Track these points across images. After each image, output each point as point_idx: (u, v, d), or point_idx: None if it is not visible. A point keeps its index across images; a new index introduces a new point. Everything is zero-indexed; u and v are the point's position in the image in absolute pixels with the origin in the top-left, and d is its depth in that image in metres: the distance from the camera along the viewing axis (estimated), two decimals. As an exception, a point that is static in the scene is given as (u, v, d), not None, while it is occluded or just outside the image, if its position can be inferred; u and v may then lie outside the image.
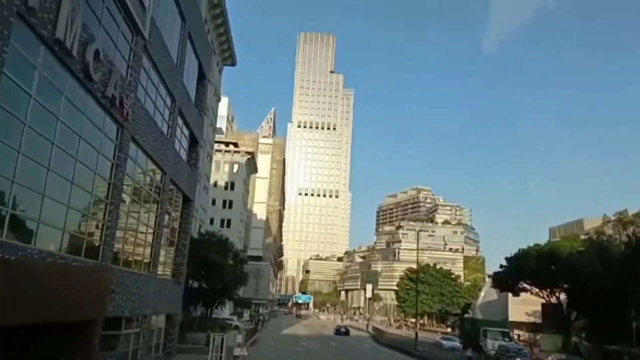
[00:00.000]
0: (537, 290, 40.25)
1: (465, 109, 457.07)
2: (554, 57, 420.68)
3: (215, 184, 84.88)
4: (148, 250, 20.08)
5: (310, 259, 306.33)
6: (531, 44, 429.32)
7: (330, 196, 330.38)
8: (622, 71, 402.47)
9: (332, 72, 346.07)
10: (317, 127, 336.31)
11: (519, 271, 39.30)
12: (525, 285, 41.03)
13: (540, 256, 36.93)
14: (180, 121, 23.60)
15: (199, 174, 43.21)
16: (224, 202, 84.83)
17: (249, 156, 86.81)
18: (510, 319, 61.26)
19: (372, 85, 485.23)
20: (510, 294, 63.47)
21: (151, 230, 20.32)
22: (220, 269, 33.95)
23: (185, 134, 25.22)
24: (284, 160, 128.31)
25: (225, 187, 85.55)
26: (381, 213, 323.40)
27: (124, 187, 16.26)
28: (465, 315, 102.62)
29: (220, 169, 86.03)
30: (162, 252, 22.14)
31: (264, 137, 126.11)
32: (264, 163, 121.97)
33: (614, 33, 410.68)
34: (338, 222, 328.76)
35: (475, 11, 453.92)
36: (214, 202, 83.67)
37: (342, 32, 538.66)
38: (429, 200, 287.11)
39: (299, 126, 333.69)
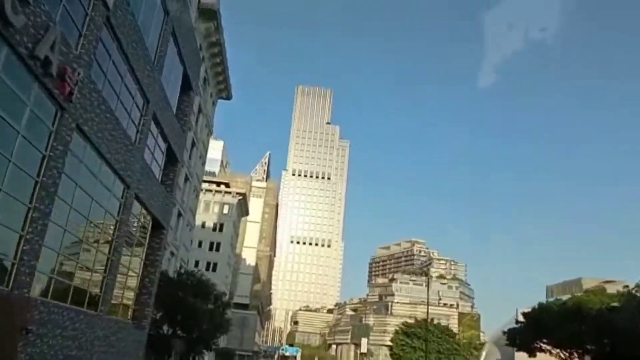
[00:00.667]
0: (557, 351, 35.34)
1: (461, 159, 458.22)
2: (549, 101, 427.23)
3: (203, 225, 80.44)
4: (98, 279, 15.69)
5: (300, 309, 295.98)
6: (529, 78, 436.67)
7: (323, 245, 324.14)
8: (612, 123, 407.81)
9: (328, 123, 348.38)
10: (311, 176, 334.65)
11: (537, 328, 34.54)
12: (542, 344, 36.13)
13: (563, 312, 32.24)
14: (155, 130, 19.81)
15: (180, 205, 39.09)
16: (211, 244, 79.99)
17: (241, 197, 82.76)
18: (518, 383, 55.76)
19: (368, 137, 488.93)
20: (516, 354, 58.36)
21: (104, 255, 15.99)
22: (198, 313, 29.18)
23: (161, 146, 21.33)
24: (276, 205, 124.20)
25: (214, 229, 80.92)
26: (374, 265, 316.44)
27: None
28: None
29: (210, 209, 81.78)
30: (119, 286, 17.69)
31: (258, 180, 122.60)
32: (256, 207, 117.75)
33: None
34: (329, 273, 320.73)
35: (467, 63, 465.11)
36: (200, 244, 79.06)
37: (340, 85, 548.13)
38: (422, 254, 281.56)
39: (294, 174, 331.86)
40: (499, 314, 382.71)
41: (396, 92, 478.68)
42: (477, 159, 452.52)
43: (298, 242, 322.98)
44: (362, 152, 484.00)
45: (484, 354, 78.47)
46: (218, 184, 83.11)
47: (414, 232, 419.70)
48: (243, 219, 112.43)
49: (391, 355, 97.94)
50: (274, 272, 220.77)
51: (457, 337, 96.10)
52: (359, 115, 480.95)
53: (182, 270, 35.29)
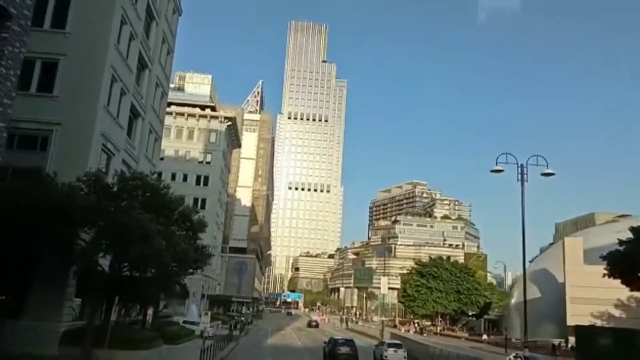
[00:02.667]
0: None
1: (464, 95, 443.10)
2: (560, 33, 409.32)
3: (186, 156, 69.28)
4: None
5: (300, 256, 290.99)
6: (527, 18, 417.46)
7: (322, 191, 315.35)
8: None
9: (324, 61, 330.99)
10: (308, 119, 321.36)
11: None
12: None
13: None
14: None
15: (138, 101, 26.98)
16: (198, 177, 69.05)
17: (229, 123, 71.10)
18: (569, 322, 46.35)
19: (366, 76, 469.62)
20: (568, 290, 48.84)
21: None
22: (151, 237, 18.19)
23: None
24: (272, 139, 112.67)
25: (201, 161, 69.78)
26: (374, 209, 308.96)
27: None
28: (485, 317, 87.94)
29: (195, 137, 70.32)
30: None
31: (250, 112, 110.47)
32: (249, 142, 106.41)
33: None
34: (329, 218, 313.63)
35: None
36: (185, 178, 68.18)
37: (335, 21, 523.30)
38: (425, 195, 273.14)
39: (289, 117, 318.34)
40: (506, 255, 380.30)
41: (396, 27, 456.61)
42: (480, 91, 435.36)
43: (296, 188, 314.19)
44: (360, 92, 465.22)
45: (515, 293, 69.41)
46: (203, 107, 71.29)
47: (415, 175, 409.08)
48: (235, 152, 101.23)
49: (404, 297, 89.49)
50: (272, 219, 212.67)
51: (477, 275, 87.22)
52: (357, 52, 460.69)
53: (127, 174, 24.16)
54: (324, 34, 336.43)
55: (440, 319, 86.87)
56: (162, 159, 71.71)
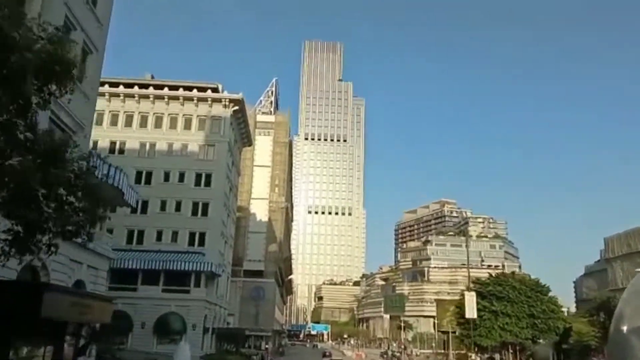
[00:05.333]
0: None
1: (489, 108, 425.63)
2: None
3: (183, 150, 54.61)
4: None
5: (323, 284, 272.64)
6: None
7: (343, 214, 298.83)
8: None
9: (340, 80, 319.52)
10: (326, 140, 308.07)
11: None
12: None
13: None
14: None
15: None
16: (198, 176, 54.04)
17: (236, 107, 56.30)
18: None
19: (384, 94, 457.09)
20: None
21: None
22: None
23: None
24: (289, 143, 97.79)
25: (199, 155, 54.88)
26: (400, 231, 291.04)
27: None
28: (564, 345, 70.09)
29: (192, 126, 55.63)
30: None
31: (264, 113, 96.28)
32: (263, 147, 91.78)
33: None
34: (352, 243, 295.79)
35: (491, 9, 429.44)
36: (181, 178, 53.36)
37: (350, 39, 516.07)
38: (455, 214, 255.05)
39: (306, 138, 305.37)
40: (549, 276, 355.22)
41: (413, 43, 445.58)
42: (507, 103, 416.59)
43: (316, 212, 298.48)
44: (378, 110, 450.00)
45: (627, 312, 52.03)
46: (202, 88, 56.77)
47: (442, 194, 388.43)
48: (248, 160, 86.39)
49: (460, 325, 72.16)
50: (292, 245, 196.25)
51: (550, 294, 69.56)
52: (373, 70, 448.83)
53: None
54: (339, 52, 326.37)
55: (509, 349, 69.05)
56: (152, 154, 57.85)
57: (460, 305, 72.64)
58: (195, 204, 52.94)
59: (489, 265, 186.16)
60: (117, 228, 51.42)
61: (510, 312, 64.37)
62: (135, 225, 51.80)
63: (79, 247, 20.54)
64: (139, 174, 53.42)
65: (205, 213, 52.78)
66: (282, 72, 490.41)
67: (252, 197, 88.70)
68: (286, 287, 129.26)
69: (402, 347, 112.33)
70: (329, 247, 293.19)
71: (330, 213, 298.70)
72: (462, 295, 73.74)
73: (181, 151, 54.70)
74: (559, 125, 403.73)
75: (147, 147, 54.79)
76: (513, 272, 73.13)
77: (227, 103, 55.85)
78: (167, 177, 53.65)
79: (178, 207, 52.61)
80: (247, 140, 67.02)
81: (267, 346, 74.99)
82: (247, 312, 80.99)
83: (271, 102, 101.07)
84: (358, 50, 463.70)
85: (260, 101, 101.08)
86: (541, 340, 68.18)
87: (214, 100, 55.72)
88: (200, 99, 55.57)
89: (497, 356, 67.50)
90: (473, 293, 34.11)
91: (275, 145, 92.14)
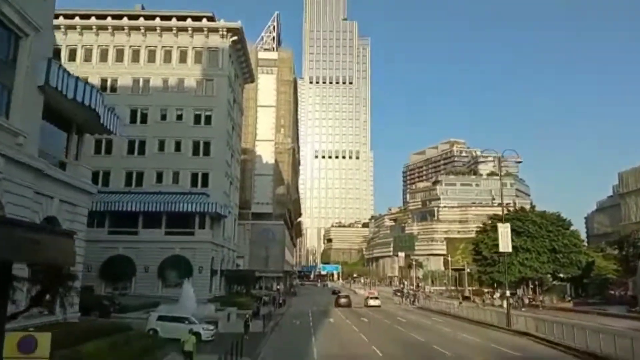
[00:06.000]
0: None
1: (499, 42, 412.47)
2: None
3: (178, 87, 50.83)
4: None
5: (332, 226, 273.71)
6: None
7: (350, 157, 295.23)
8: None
9: (344, 19, 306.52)
10: (331, 82, 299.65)
11: None
12: None
13: None
14: None
15: None
16: (197, 114, 50.45)
17: (235, 37, 51.73)
18: None
19: (390, 33, 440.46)
20: None
21: None
22: None
23: None
24: (294, 81, 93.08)
25: (197, 91, 50.99)
26: (408, 173, 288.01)
27: None
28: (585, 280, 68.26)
29: (188, 59, 51.39)
30: None
31: (266, 50, 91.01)
32: (267, 87, 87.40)
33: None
34: (360, 186, 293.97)
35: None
36: (179, 116, 49.93)
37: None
38: (464, 154, 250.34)
39: (311, 82, 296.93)
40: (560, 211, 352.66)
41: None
42: (517, 38, 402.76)
43: (323, 157, 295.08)
44: (384, 50, 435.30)
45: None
46: (196, 17, 52.11)
47: (451, 135, 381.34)
48: (251, 101, 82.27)
49: (476, 261, 70.19)
50: (300, 189, 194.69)
51: (572, 227, 66.80)
52: (378, 7, 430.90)
53: None
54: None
55: (528, 286, 67.19)
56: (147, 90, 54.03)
57: (476, 242, 70.49)
58: (196, 143, 49.73)
59: (500, 203, 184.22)
60: (115, 170, 48.77)
61: (531, 247, 61.83)
62: (133, 166, 48.96)
63: (47, 177, 17.41)
64: (133, 112, 50.10)
65: (207, 152, 49.62)
66: (284, 13, 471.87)
67: (257, 139, 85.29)
68: (295, 229, 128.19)
69: (417, 284, 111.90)
70: (337, 191, 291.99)
71: (337, 157, 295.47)
72: (481, 230, 71.45)
73: (177, 87, 50.91)
74: (569, 56, 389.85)
75: (141, 83, 51.03)
76: (533, 207, 69.91)
77: (224, 33, 51.35)
78: (163, 115, 50.22)
79: (178, 147, 49.45)
80: (248, 75, 62.72)
81: (278, 287, 73.92)
82: (257, 255, 79.63)
83: (273, 38, 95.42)
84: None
85: (262, 37, 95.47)
86: (562, 275, 66.24)
87: (210, 30, 51.21)
88: (195, 29, 51.11)
89: (519, 292, 65.58)
90: (508, 225, 30.77)
91: (279, 84, 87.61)
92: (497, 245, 64.41)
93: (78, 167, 20.62)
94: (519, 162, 25.98)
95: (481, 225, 74.61)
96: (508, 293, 32.64)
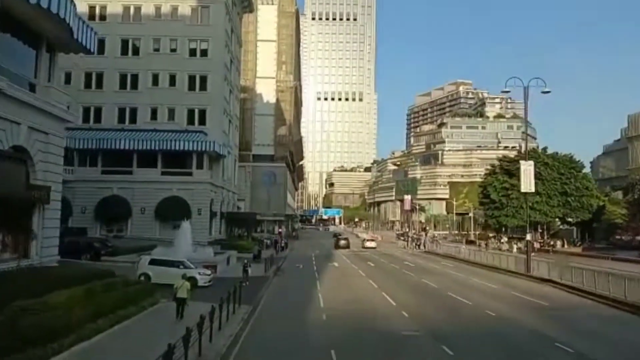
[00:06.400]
0: None
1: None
2: None
3: (172, 15, 46.81)
4: None
5: (334, 170, 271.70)
6: None
7: (354, 100, 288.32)
8: None
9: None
10: (334, 19, 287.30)
11: None
12: None
13: None
14: None
15: None
16: (192, 44, 46.66)
17: (232, -42, 47.05)
18: None
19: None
20: None
21: None
22: None
23: None
24: (296, 13, 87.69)
25: (192, 19, 46.91)
26: (412, 116, 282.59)
27: None
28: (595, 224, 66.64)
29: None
30: None
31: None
32: (268, 19, 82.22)
33: None
34: (363, 129, 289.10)
35: None
36: (173, 48, 46.25)
37: None
38: (470, 95, 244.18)
39: (313, 18, 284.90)
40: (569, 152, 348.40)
41: None
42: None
43: (325, 99, 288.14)
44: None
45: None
46: None
47: (458, 75, 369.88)
48: (251, 34, 77.67)
49: (483, 204, 68.25)
50: (301, 132, 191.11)
51: (584, 171, 64.36)
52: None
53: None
54: None
55: (538, 230, 65.48)
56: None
57: (484, 185, 68.22)
58: (192, 78, 46.32)
59: (506, 147, 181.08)
60: (106, 107, 45.80)
61: (541, 190, 59.57)
62: (126, 102, 45.84)
63: (11, 100, 14.59)
64: (124, 43, 46.42)
65: (203, 87, 46.30)
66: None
67: (258, 76, 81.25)
68: (298, 172, 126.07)
69: (423, 228, 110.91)
70: (339, 134, 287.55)
71: (340, 99, 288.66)
72: (489, 172, 69.01)
73: (171, 15, 46.82)
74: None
75: (132, 11, 46.92)
76: (545, 148, 67.06)
77: (220, -51, 46.56)
78: (157, 46, 46.42)
79: (172, 81, 46.10)
80: (247, 3, 58.11)
81: (280, 230, 72.57)
82: (259, 198, 77.78)
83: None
84: None
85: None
86: (570, 219, 64.43)
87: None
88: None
89: (528, 235, 63.86)
90: (531, 162, 27.88)
91: (281, 17, 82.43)
92: (505, 188, 62.72)
93: (50, 90, 17.67)
94: (547, 91, 22.62)
95: (489, 167, 72.07)
96: (529, 237, 30.34)
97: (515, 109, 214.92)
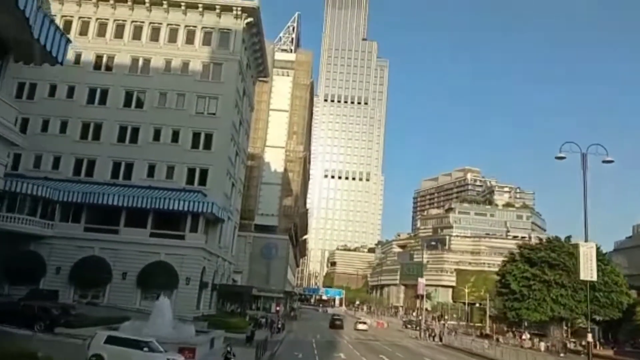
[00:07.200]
0: None
1: (519, 76, 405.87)
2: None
3: (182, 70, 44.74)
4: None
5: (337, 249, 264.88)
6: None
7: (361, 179, 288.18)
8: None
9: (364, 39, 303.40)
10: (346, 102, 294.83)
11: None
12: None
13: None
14: None
15: None
16: (201, 100, 44.04)
17: (250, 19, 45.66)
18: None
19: (410, 56, 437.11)
20: None
21: None
22: None
23: None
24: (311, 85, 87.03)
25: (203, 75, 44.71)
26: (419, 199, 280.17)
27: None
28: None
29: (196, 41, 45.27)
30: None
31: (283, 50, 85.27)
32: (282, 90, 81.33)
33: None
34: (369, 209, 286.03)
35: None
36: (181, 102, 43.64)
37: None
38: (478, 183, 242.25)
39: (326, 100, 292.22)
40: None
41: (441, 4, 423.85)
42: (539, 73, 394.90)
43: (333, 177, 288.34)
44: (403, 73, 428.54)
45: None
46: (206, -7, 46.05)
47: (466, 162, 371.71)
48: (263, 104, 76.26)
49: (501, 295, 62.44)
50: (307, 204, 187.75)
51: (611, 265, 59.16)
52: (400, 30, 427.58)
53: None
54: (365, 9, 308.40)
55: (554, 327, 59.14)
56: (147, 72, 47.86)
57: (503, 273, 62.74)
58: (197, 135, 43.19)
59: (515, 237, 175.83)
60: (101, 159, 42.31)
61: (566, 283, 54.27)
62: (122, 156, 42.43)
63: None
64: (128, 95, 43.94)
65: (208, 146, 43.02)
66: (303, 28, 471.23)
67: (267, 144, 78.86)
68: (300, 247, 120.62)
69: (438, 317, 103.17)
70: (344, 213, 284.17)
71: (347, 178, 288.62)
72: (509, 260, 63.75)
73: (181, 70, 44.66)
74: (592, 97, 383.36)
75: (140, 63, 44.86)
76: (569, 237, 62.31)
77: (238, 13, 45.27)
78: (162, 100, 43.81)
79: (175, 137, 42.93)
80: (262, 68, 56.47)
81: (277, 308, 66.46)
82: (257, 271, 72.35)
83: (292, 40, 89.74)
84: (384, 8, 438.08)
85: (280, 38, 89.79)
86: (598, 317, 58.27)
87: (223, 8, 45.11)
88: (206, 7, 45.06)
89: (556, 333, 57.48)
90: (592, 244, 22.98)
91: (295, 88, 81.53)
92: (527, 278, 57.35)
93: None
94: (610, 161, 18.94)
95: (509, 254, 66.94)
96: (590, 338, 24.70)
97: (525, 198, 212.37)
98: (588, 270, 21.22)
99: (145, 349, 16.11)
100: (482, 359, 36.14)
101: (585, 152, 21.03)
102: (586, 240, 22.18)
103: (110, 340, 16.76)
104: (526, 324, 61.34)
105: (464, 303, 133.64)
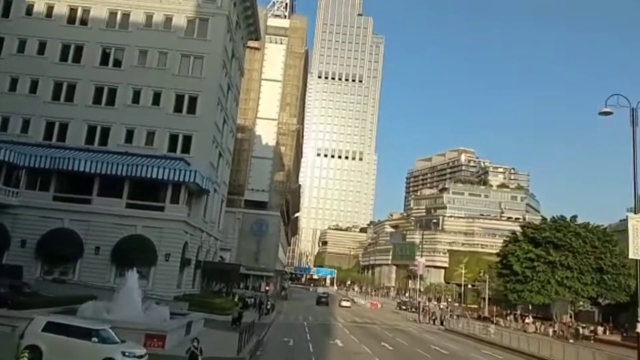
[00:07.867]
0: None
1: (516, 52, 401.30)
2: None
3: (164, 24, 40.37)
4: None
5: (329, 229, 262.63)
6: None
7: (354, 158, 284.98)
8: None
9: (359, 15, 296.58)
10: (340, 79, 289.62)
11: None
12: None
13: None
14: None
15: None
16: (185, 58, 39.83)
17: (241, -29, 41.22)
18: None
19: (406, 33, 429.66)
20: None
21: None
22: None
23: None
24: (305, 54, 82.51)
25: (188, 31, 40.42)
26: (412, 179, 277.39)
27: None
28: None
29: (179, -8, 40.78)
30: None
31: (277, 16, 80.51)
32: (274, 58, 76.96)
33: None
34: (361, 189, 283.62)
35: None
36: (163, 61, 39.34)
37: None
38: (472, 164, 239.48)
39: (320, 77, 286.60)
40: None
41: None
42: (535, 49, 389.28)
43: (325, 155, 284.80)
44: (399, 50, 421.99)
45: None
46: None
47: (460, 143, 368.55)
48: (254, 73, 71.95)
49: (501, 275, 59.62)
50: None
51: (618, 247, 56.40)
52: (395, 5, 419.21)
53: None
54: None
55: (559, 310, 56.49)
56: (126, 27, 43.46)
57: (505, 254, 59.84)
58: (180, 98, 39.16)
59: (509, 217, 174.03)
60: (74, 123, 38.23)
61: (573, 265, 51.44)
62: (98, 120, 38.38)
63: None
64: (105, 52, 39.76)
65: (192, 110, 39.03)
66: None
67: (259, 116, 74.84)
68: (292, 225, 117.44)
69: (437, 300, 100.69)
70: (336, 192, 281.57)
71: (340, 157, 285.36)
72: (511, 240, 60.79)
73: (163, 25, 40.37)
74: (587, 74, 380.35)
75: (119, 17, 40.48)
76: (574, 216, 59.35)
77: (227, -40, 40.77)
78: (142, 59, 39.58)
79: (157, 100, 38.91)
80: (254, 29, 52.10)
81: (267, 287, 63.36)
82: (247, 249, 69.13)
83: (286, 5, 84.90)
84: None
85: (273, 3, 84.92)
86: (601, 300, 55.84)
87: (209, -46, 40.61)
88: (189, -48, 40.50)
89: (565, 317, 54.74)
90: None
91: (289, 56, 77.11)
92: (530, 259, 54.47)
93: None
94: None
95: (510, 234, 64.03)
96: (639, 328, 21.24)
97: (519, 180, 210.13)
98: (637, 248, 17.67)
99: (95, 339, 12.62)
100: (496, 347, 32.88)
101: (635, 107, 17.52)
102: (635, 212, 18.70)
103: (50, 328, 13.16)
104: (530, 307, 58.70)
105: (457, 284, 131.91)
